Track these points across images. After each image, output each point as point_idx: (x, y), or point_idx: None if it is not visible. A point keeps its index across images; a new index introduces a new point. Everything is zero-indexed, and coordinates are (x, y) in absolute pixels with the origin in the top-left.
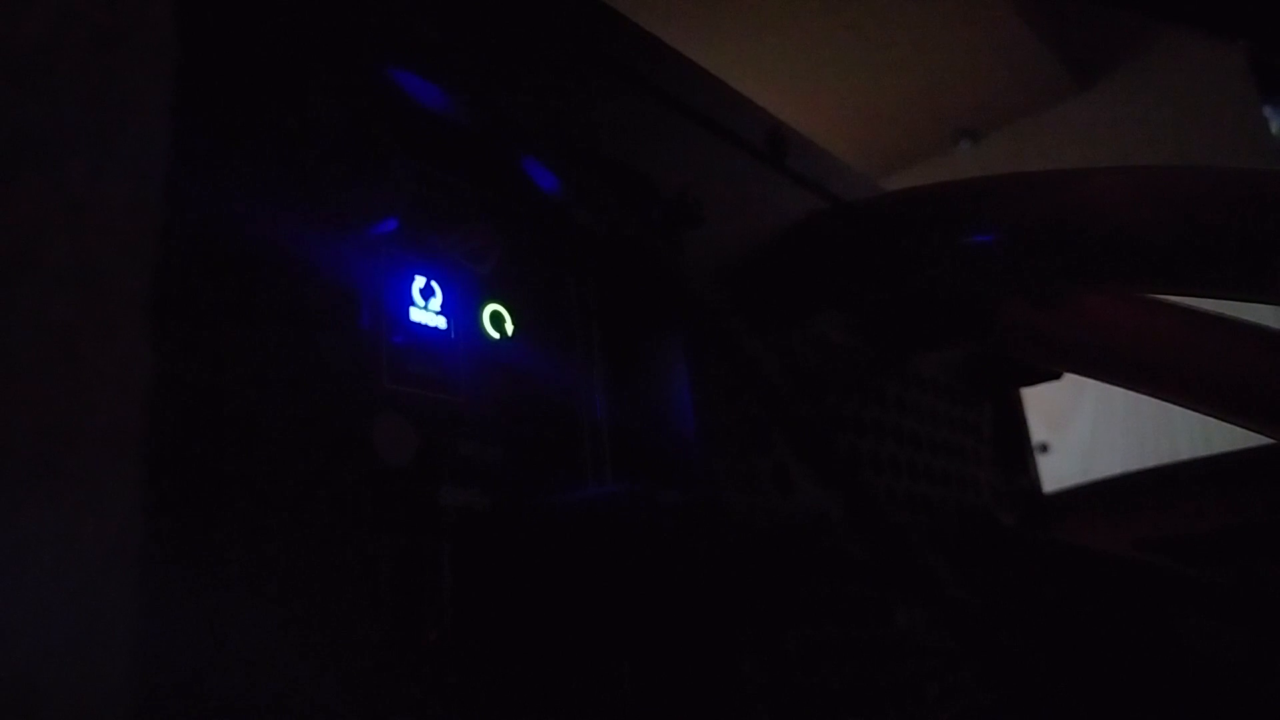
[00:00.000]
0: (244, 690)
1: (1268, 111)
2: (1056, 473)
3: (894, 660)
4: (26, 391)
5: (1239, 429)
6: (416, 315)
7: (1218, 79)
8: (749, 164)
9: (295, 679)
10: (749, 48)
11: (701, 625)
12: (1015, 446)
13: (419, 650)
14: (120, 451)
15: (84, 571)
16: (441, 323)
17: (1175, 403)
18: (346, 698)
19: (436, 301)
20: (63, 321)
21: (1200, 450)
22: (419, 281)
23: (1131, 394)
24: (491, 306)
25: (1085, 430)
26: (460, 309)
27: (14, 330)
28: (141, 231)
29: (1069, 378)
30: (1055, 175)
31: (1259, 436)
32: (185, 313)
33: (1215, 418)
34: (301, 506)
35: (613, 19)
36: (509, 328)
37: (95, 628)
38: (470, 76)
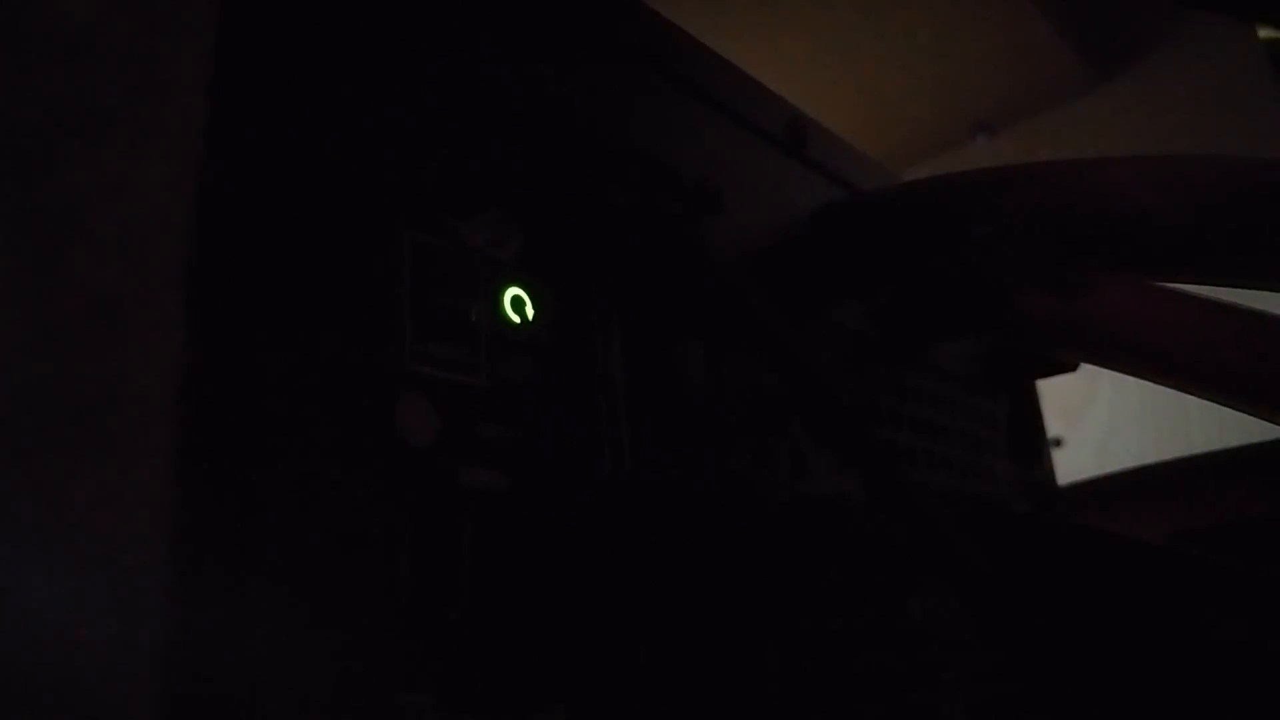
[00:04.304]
0: (264, 664)
1: None
2: (1071, 467)
3: (908, 647)
4: (71, 360)
5: (1255, 420)
6: (439, 298)
7: (1236, 73)
8: (768, 153)
9: (315, 654)
10: (765, 40)
11: (718, 609)
12: (1030, 438)
13: (438, 630)
14: (161, 419)
15: (119, 536)
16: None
17: (1193, 393)
18: (366, 675)
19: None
20: (105, 292)
21: (1216, 443)
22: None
23: (1145, 388)
24: (512, 290)
25: (1100, 425)
26: (482, 292)
27: (61, 299)
28: (179, 207)
29: (1083, 372)
30: (1074, 164)
31: (1276, 428)
32: (216, 291)
33: (1233, 408)
34: (324, 484)
35: (634, 8)
36: (529, 311)
37: (128, 593)
38: (499, 60)
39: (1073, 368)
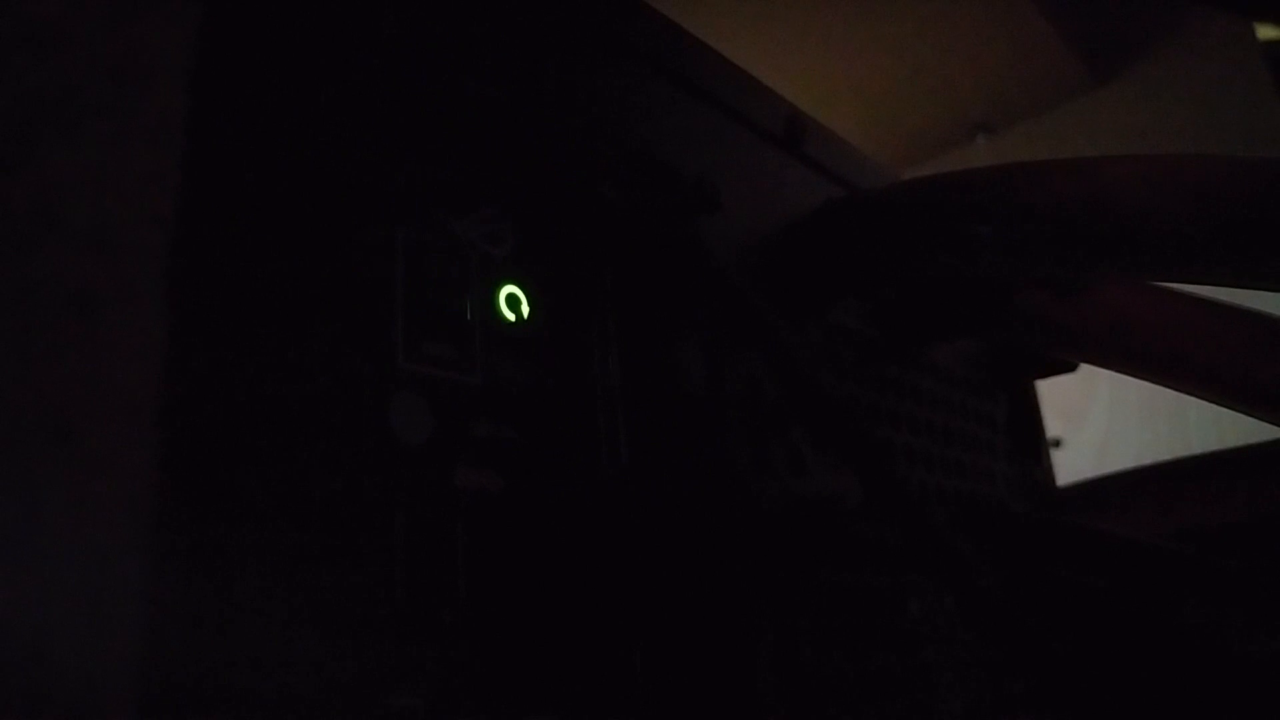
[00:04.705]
0: (253, 666)
1: None
2: (1070, 467)
3: (906, 648)
4: (47, 355)
5: (1254, 421)
6: (433, 296)
7: (1236, 73)
8: (766, 151)
9: (305, 656)
10: (765, 39)
11: (715, 610)
12: (1029, 439)
13: (431, 632)
14: (137, 418)
15: (97, 536)
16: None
17: (1192, 394)
18: (358, 678)
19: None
20: (83, 286)
21: (1214, 444)
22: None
23: (1145, 388)
24: (507, 288)
25: (1099, 425)
26: (476, 290)
27: (37, 294)
28: (160, 200)
29: (1082, 372)
30: (1073, 163)
31: (1276, 429)
32: (201, 286)
33: (1233, 409)
34: (316, 484)
35: (633, 5)
36: (525, 310)
37: (107, 595)
38: (493, 55)
39: (1072, 368)
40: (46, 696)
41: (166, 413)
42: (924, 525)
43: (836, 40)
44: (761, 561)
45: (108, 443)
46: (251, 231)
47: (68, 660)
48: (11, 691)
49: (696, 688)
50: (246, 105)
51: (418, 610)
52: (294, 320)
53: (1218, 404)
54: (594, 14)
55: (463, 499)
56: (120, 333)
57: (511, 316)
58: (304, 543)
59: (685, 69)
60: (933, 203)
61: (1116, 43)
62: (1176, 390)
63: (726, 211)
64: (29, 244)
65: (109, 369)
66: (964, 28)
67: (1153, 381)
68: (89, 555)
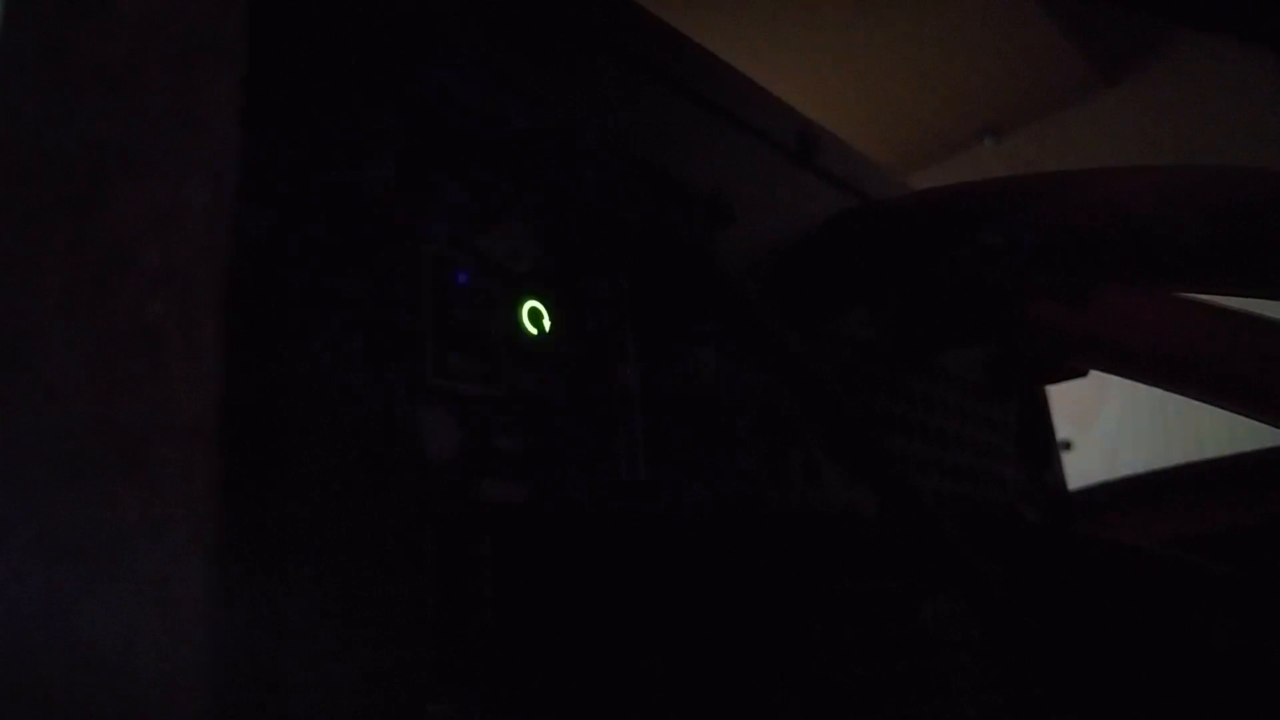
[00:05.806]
0: (296, 675)
1: None
2: (1081, 471)
3: (920, 654)
4: (121, 386)
5: (1265, 426)
6: (459, 313)
7: (1245, 76)
8: (779, 163)
9: (346, 667)
10: (773, 46)
11: (733, 619)
12: (1040, 443)
13: (460, 640)
14: (202, 444)
15: (168, 557)
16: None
17: (1203, 400)
18: (394, 688)
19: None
20: (152, 321)
21: (1226, 448)
22: (461, 280)
23: (1155, 392)
24: (529, 303)
25: (1110, 428)
26: (500, 306)
27: (113, 329)
28: (219, 236)
29: (1093, 375)
30: (1084, 174)
31: None
32: (248, 312)
33: (1243, 415)
34: (351, 497)
35: (642, 17)
36: (546, 324)
37: (179, 614)
38: (511, 75)
39: (1083, 373)
40: (126, 709)
41: (224, 439)
42: (939, 539)
43: (845, 45)
44: (777, 570)
45: (175, 466)
46: (292, 258)
47: (144, 672)
48: (94, 706)
49: (716, 694)
50: (288, 137)
51: (447, 618)
52: (333, 344)
53: (1230, 411)
54: (605, 29)
55: (489, 511)
56: (183, 362)
57: (534, 331)
58: (343, 559)
59: (699, 84)
60: (945, 213)
61: (1125, 45)
62: (1188, 397)
63: (740, 224)
64: (106, 282)
65: (174, 397)
66: (972, 31)
67: (1164, 388)
68: (162, 575)
